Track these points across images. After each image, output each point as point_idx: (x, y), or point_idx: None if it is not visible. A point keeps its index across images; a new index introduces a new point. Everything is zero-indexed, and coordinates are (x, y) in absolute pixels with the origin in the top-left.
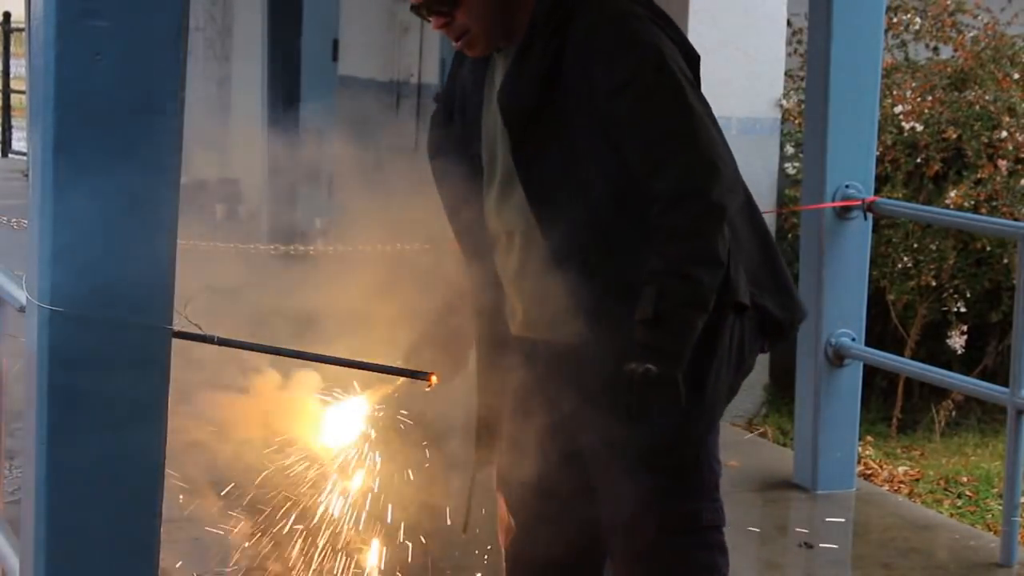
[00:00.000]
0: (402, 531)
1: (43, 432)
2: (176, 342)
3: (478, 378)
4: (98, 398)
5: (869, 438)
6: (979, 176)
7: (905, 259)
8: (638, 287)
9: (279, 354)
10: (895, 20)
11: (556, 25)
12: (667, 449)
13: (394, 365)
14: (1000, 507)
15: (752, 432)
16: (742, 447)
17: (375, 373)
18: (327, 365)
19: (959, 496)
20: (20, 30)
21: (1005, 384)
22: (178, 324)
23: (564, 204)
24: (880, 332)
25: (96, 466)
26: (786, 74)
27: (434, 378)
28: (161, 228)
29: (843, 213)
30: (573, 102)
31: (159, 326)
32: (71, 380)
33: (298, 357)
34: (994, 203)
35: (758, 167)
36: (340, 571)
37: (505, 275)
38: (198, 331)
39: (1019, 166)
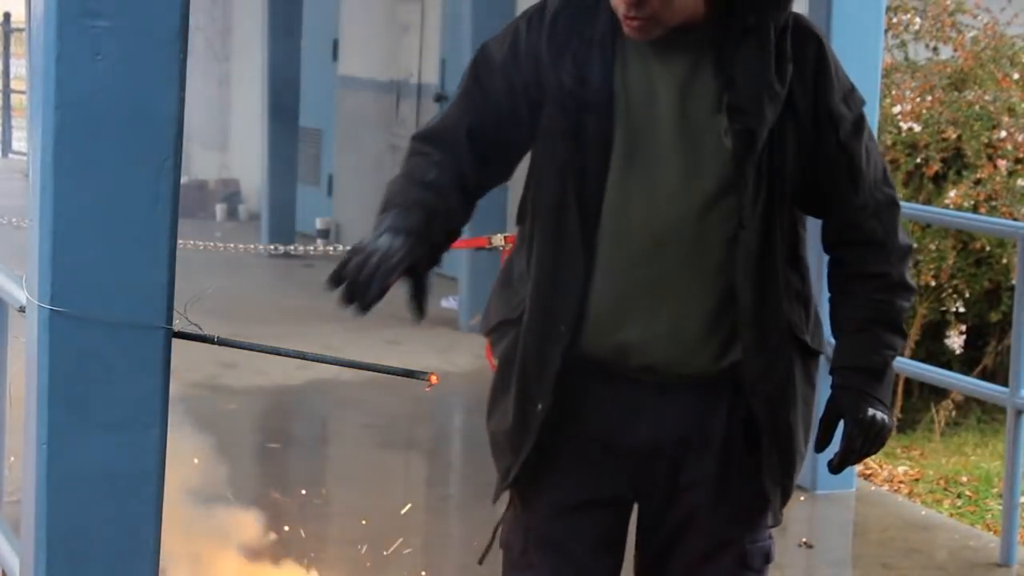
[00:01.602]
0: None
1: (43, 432)
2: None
3: (529, 403)
4: (98, 398)
5: None
6: (978, 176)
7: None
8: (800, 326)
9: (279, 354)
10: (895, 20)
11: (788, 28)
12: (791, 491)
13: (394, 367)
14: (1000, 507)
15: None
16: None
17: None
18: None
19: (959, 496)
20: (20, 30)
21: (1005, 384)
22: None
23: (758, 228)
24: None
25: (96, 467)
26: None
27: (434, 378)
28: (161, 228)
29: None
30: (790, 117)
31: (159, 326)
32: (71, 380)
33: (298, 357)
34: (993, 203)
35: None
36: None
37: (638, 292)
38: (198, 331)
39: (1018, 166)
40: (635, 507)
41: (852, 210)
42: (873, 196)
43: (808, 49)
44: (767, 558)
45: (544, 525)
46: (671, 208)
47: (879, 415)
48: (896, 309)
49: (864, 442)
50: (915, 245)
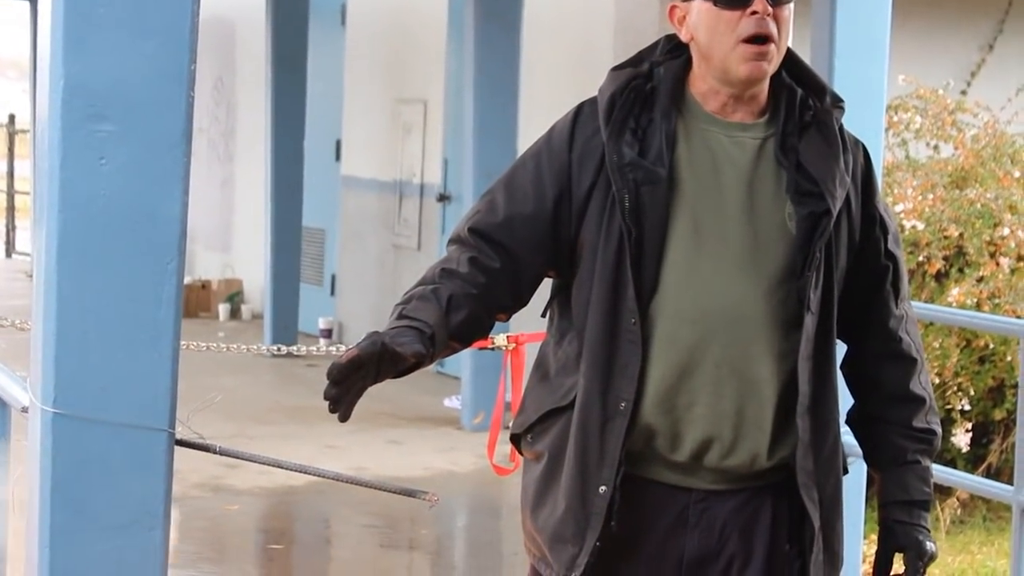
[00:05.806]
0: None
1: (45, 535)
2: None
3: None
4: (101, 500)
5: (874, 536)
6: (981, 274)
7: None
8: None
9: (280, 466)
10: (895, 119)
11: (842, 128)
12: None
13: (395, 485)
14: None
15: None
16: None
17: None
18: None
19: None
20: (24, 132)
21: (1010, 482)
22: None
23: (818, 313)
24: None
25: (99, 569)
26: None
27: (434, 498)
28: (164, 330)
29: None
30: (845, 211)
31: (162, 428)
32: (73, 482)
33: (299, 471)
34: (996, 301)
35: None
36: None
37: (704, 368)
38: (200, 440)
39: (1021, 263)
40: None
41: (893, 320)
42: (905, 309)
43: (858, 152)
44: None
45: None
46: (740, 287)
47: (933, 546)
48: (937, 437)
49: (922, 572)
50: None
